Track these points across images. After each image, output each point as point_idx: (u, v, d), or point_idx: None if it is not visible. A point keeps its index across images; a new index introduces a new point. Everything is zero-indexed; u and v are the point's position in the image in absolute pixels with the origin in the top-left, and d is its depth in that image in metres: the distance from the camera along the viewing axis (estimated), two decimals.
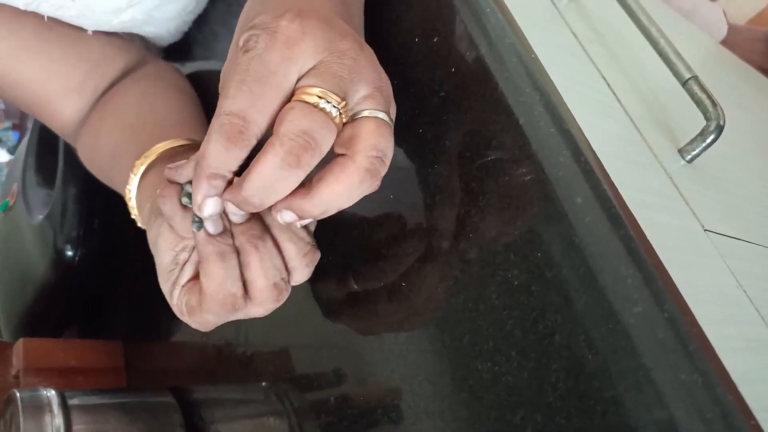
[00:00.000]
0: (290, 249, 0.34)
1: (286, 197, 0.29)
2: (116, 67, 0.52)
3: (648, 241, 0.26)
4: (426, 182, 0.34)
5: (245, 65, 0.28)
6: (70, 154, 0.68)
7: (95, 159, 0.49)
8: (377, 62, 0.31)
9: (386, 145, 0.29)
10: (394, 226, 0.36)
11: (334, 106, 0.28)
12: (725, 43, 0.93)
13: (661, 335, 0.23)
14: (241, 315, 0.34)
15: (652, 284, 0.24)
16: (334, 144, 0.29)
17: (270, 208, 0.30)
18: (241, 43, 0.29)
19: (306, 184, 0.29)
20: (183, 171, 0.33)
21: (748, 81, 0.78)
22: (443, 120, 0.33)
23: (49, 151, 0.73)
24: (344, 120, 0.29)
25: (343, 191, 0.29)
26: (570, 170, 0.27)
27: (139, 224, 0.42)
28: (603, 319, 0.25)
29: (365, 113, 0.30)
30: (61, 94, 0.49)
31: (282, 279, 0.34)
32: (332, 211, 0.30)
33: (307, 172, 0.28)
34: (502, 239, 0.29)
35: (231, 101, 0.28)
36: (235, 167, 0.29)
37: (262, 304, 0.33)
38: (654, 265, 0.25)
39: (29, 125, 0.82)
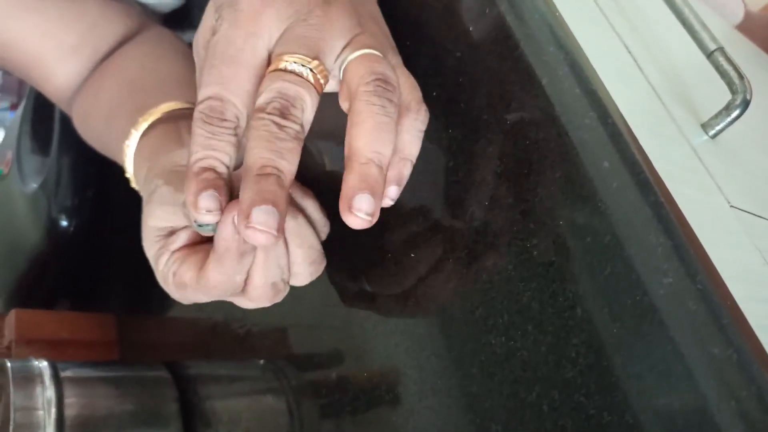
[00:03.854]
0: (298, 254, 0.33)
1: (343, 188, 0.27)
2: (115, 31, 0.50)
3: (679, 208, 0.24)
4: (439, 147, 0.32)
5: (213, 49, 0.29)
6: (67, 120, 0.66)
7: (91, 119, 0.47)
8: (354, 8, 0.30)
9: (380, 69, 0.28)
10: (404, 194, 0.34)
11: (303, 66, 0.28)
12: (740, 29, 0.91)
13: (693, 307, 0.22)
14: (230, 299, 0.33)
15: (683, 254, 0.23)
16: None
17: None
18: (209, 24, 0.30)
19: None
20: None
21: (765, 68, 0.77)
22: (459, 82, 0.31)
23: (44, 118, 0.72)
24: (321, 80, 0.28)
25: (373, 127, 0.27)
26: (596, 133, 0.26)
27: (133, 185, 0.40)
28: (629, 290, 0.23)
29: (347, 60, 0.29)
30: (56, 55, 0.48)
31: (282, 279, 0.33)
32: (385, 161, 0.27)
33: (300, 129, 0.27)
34: (520, 206, 0.27)
35: (205, 88, 0.28)
36: (225, 157, 0.28)
37: (254, 300, 0.33)
38: (686, 234, 0.23)
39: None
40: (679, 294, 0.22)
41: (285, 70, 0.28)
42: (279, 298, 0.33)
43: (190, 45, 0.55)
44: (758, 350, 0.21)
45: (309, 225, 0.33)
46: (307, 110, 0.28)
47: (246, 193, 0.26)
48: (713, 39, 0.38)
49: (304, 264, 0.33)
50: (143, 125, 0.39)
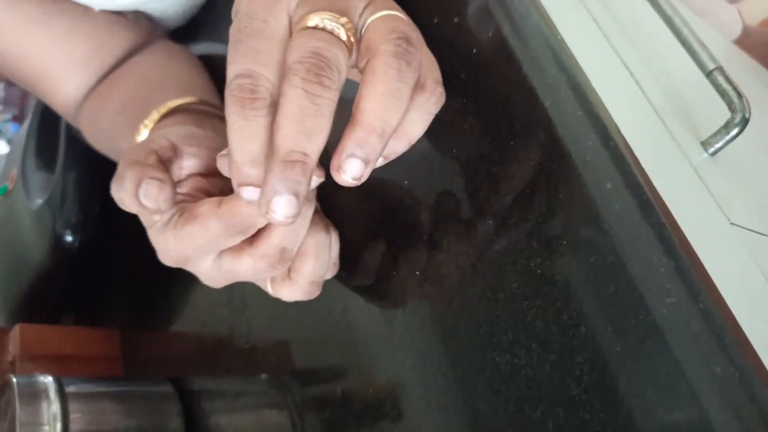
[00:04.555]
0: (309, 265, 0.33)
1: (340, 144, 0.26)
2: (123, 45, 0.51)
3: (680, 228, 0.24)
4: (443, 169, 0.33)
5: (236, 26, 0.28)
6: (72, 137, 0.66)
7: (101, 117, 0.47)
8: None
9: (403, 28, 0.27)
10: (409, 214, 0.35)
11: (335, 23, 0.27)
12: (737, 43, 0.92)
13: (695, 327, 0.22)
14: (235, 257, 0.32)
15: (685, 274, 0.23)
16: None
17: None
18: (233, 10, 0.29)
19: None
20: None
21: (764, 83, 0.77)
22: (462, 103, 0.32)
23: (50, 134, 0.72)
24: (352, 38, 0.27)
25: (386, 92, 0.26)
26: (599, 155, 0.26)
27: None
28: (633, 309, 0.24)
29: (369, 20, 0.28)
30: (65, 69, 0.48)
31: (291, 250, 0.31)
32: (390, 129, 0.26)
33: (336, 95, 0.26)
34: (524, 227, 0.28)
35: (232, 65, 0.27)
36: (262, 141, 0.26)
37: (260, 258, 0.31)
38: (688, 255, 0.24)
39: (29, 115, 0.81)
40: (682, 313, 0.23)
41: (315, 28, 0.26)
42: (279, 269, 0.32)
43: (198, 57, 0.56)
44: (760, 369, 0.22)
45: (329, 252, 0.34)
46: (343, 72, 0.26)
47: (270, 179, 0.25)
48: (712, 58, 0.39)
49: (307, 278, 0.33)
50: (155, 117, 0.39)
